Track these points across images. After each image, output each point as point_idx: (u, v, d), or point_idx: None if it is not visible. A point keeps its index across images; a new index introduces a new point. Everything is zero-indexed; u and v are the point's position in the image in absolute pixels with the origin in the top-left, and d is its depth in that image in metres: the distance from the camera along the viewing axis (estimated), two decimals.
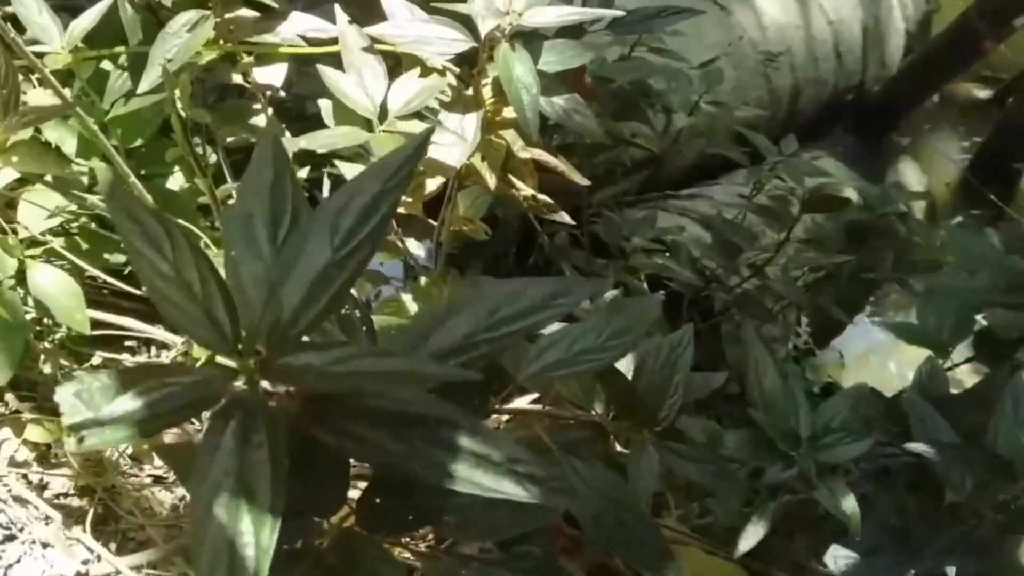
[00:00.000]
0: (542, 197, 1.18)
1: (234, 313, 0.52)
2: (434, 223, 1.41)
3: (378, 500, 0.59)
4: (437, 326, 0.65)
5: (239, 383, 0.50)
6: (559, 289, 0.66)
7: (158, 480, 1.32)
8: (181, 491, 1.32)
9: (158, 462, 1.34)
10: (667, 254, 1.78)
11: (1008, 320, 1.59)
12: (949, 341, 1.61)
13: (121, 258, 1.47)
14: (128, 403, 0.46)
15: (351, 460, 0.58)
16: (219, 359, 0.51)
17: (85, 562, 1.14)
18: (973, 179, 3.40)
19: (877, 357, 2.92)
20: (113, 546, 1.19)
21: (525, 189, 1.18)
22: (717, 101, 2.07)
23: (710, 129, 2.12)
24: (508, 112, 1.16)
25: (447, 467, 0.50)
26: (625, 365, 1.10)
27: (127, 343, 1.49)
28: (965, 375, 1.80)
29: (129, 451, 1.33)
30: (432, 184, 1.24)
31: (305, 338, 0.52)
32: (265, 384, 0.52)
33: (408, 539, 0.67)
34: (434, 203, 1.38)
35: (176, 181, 1.52)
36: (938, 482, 1.23)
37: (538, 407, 1.12)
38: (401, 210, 1.45)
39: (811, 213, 1.72)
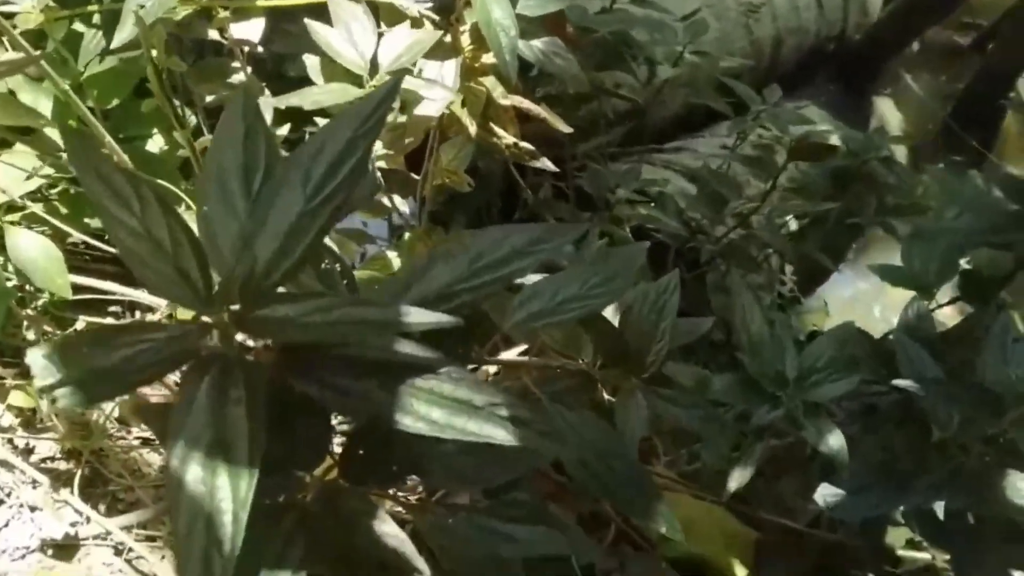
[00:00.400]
0: (524, 145, 1.17)
1: (206, 268, 0.51)
2: (417, 177, 1.39)
3: (361, 452, 0.58)
4: (418, 277, 0.64)
5: (214, 338, 0.49)
6: (541, 235, 0.65)
7: (146, 442, 1.32)
8: None
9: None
10: (652, 205, 1.77)
11: (992, 260, 1.59)
12: (934, 282, 1.62)
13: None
14: (99, 362, 0.46)
15: (332, 413, 0.58)
16: (194, 315, 0.50)
17: (74, 524, 1.14)
18: (954, 125, 3.40)
19: (861, 304, 2.94)
20: (102, 508, 1.19)
21: (507, 137, 1.17)
22: (701, 51, 2.05)
23: (694, 79, 2.10)
24: (487, 58, 1.14)
25: (430, 414, 0.49)
26: (611, 313, 1.09)
27: (111, 308, 1.48)
28: (948, 319, 1.80)
29: (116, 414, 1.33)
30: (414, 137, 1.23)
31: (281, 290, 0.51)
32: (242, 338, 0.51)
33: (398, 492, 0.66)
34: (416, 157, 1.37)
35: (156, 143, 1.50)
36: (925, 420, 1.24)
37: (525, 358, 1.11)
38: (383, 164, 1.44)
39: (797, 161, 1.72)
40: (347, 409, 0.50)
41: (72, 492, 1.19)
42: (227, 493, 0.45)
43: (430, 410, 0.49)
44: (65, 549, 1.15)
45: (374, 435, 0.58)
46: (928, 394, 1.11)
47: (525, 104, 1.19)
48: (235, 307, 0.49)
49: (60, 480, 1.22)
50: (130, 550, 1.14)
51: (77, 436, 1.29)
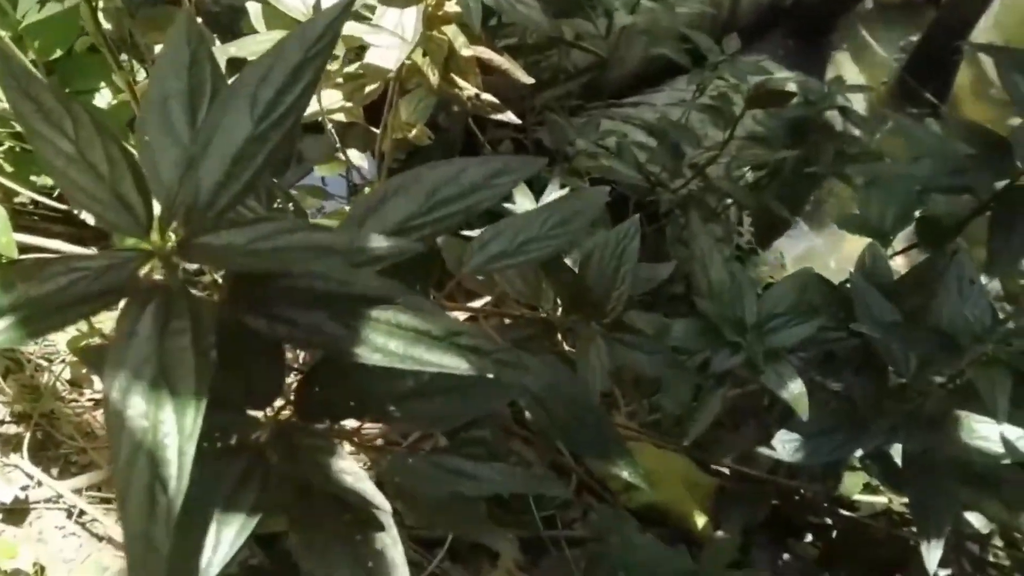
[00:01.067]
0: (486, 96, 1.15)
1: (146, 192, 0.48)
2: (376, 131, 1.36)
3: (316, 389, 0.56)
4: (373, 211, 0.62)
5: (157, 269, 0.46)
6: (499, 168, 0.63)
7: (99, 404, 1.28)
8: None
9: (99, 385, 1.31)
10: (612, 156, 1.75)
11: (949, 205, 1.60)
12: (891, 229, 1.62)
13: (50, 180, 1.41)
14: (32, 292, 0.43)
15: (286, 349, 0.55)
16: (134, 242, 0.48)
17: (24, 488, 1.11)
18: (909, 78, 3.42)
19: (818, 257, 2.96)
20: (54, 471, 1.16)
21: (468, 88, 1.14)
22: None
23: (653, 27, 2.08)
24: (450, 6, 1.11)
25: (386, 345, 0.47)
26: (572, 262, 1.08)
27: None
28: (901, 268, 1.82)
29: (67, 376, 1.29)
30: (372, 86, 1.19)
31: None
32: (186, 268, 0.49)
33: (356, 435, 0.64)
34: (376, 111, 1.34)
35: (104, 98, 1.46)
36: (882, 364, 1.25)
37: (484, 306, 1.10)
38: (341, 117, 1.40)
39: (755, 109, 1.71)
40: (298, 341, 0.48)
41: (22, 456, 1.16)
42: (172, 427, 0.42)
43: (387, 341, 0.47)
44: (15, 513, 1.12)
45: (329, 371, 0.56)
46: (886, 337, 1.12)
47: (488, 54, 1.16)
48: (178, 234, 0.47)
49: (9, 444, 1.19)
50: (83, 513, 1.11)
51: (27, 399, 1.26)
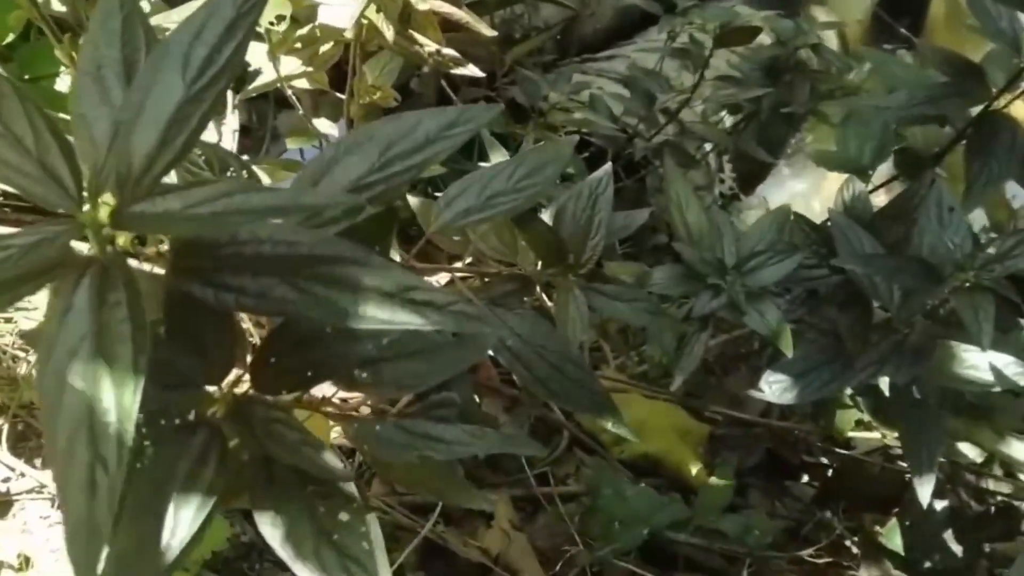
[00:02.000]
0: (448, 51, 1.12)
1: (74, 162, 0.46)
2: (343, 97, 1.34)
3: (272, 360, 0.54)
4: (325, 171, 0.60)
5: (89, 241, 0.44)
6: (453, 118, 0.61)
7: None
8: None
9: None
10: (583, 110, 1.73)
11: (927, 135, 1.58)
12: (870, 164, 1.61)
13: None
14: None
15: (237, 319, 0.54)
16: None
17: (6, 480, 1.09)
18: (884, 14, 3.38)
19: (801, 199, 2.94)
20: (38, 462, 1.15)
21: (429, 44, 1.12)
22: None
23: None
24: None
25: (337, 305, 0.45)
26: (547, 217, 1.06)
27: None
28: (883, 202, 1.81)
29: None
30: (327, 46, 1.16)
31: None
32: (130, 240, 0.47)
33: (326, 403, 0.63)
34: (343, 77, 1.31)
35: (65, 83, 1.43)
36: (867, 299, 1.24)
37: (458, 265, 1.08)
38: (306, 85, 1.38)
39: (723, 47, 1.68)
40: (247, 309, 0.46)
41: (1, 447, 1.14)
42: (111, 403, 0.40)
43: (338, 300, 0.45)
44: None
45: (284, 341, 0.54)
46: (868, 270, 1.10)
47: (446, 8, 1.13)
48: (110, 204, 0.45)
49: None
50: None
51: (4, 391, 1.24)
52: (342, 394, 0.67)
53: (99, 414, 0.40)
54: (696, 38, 1.90)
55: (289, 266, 0.47)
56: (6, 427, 1.15)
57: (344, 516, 0.50)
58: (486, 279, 1.06)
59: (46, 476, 1.10)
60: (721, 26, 1.62)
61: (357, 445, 0.58)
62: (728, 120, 2.10)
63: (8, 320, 1.36)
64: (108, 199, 0.44)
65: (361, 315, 0.45)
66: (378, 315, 0.45)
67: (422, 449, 0.57)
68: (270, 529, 0.49)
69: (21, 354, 1.30)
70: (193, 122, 0.47)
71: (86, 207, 0.45)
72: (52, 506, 1.08)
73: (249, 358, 0.55)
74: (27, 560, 1.01)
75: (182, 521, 0.47)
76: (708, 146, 2.07)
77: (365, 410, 0.75)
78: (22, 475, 1.12)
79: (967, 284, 1.06)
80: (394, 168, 0.60)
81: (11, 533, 1.05)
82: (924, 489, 1.14)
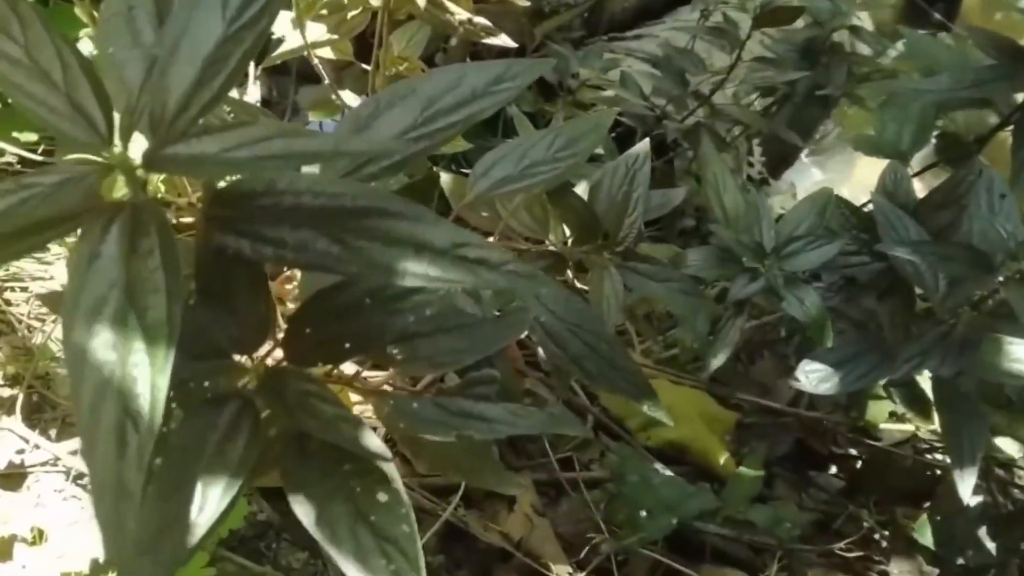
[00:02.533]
0: (479, 20, 1.08)
1: (105, 99, 0.42)
2: (367, 69, 1.30)
3: (307, 330, 0.51)
4: (364, 126, 0.56)
5: (120, 183, 0.41)
6: (500, 73, 0.57)
7: None
8: None
9: None
10: (614, 87, 1.69)
11: (968, 120, 1.54)
12: (909, 149, 1.56)
13: (32, 136, 1.36)
14: None
15: (271, 284, 0.50)
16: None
17: (20, 452, 1.06)
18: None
19: (829, 186, 2.89)
20: (52, 432, 1.12)
21: (460, 12, 1.08)
22: None
23: None
24: None
25: (383, 260, 0.42)
26: (581, 191, 1.02)
27: None
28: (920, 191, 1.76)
29: (60, 336, 1.24)
30: (355, 12, 1.13)
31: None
32: (152, 191, 0.43)
33: (357, 379, 0.59)
34: (367, 48, 1.27)
35: (86, 47, 1.39)
36: (908, 289, 1.19)
37: (491, 239, 1.04)
38: (330, 55, 1.34)
39: (763, 27, 1.63)
40: (285, 262, 0.43)
41: (16, 419, 1.11)
42: (142, 357, 0.37)
43: (383, 255, 0.42)
44: (11, 478, 1.07)
45: (321, 310, 0.51)
46: (917, 256, 1.06)
47: None
48: (142, 145, 0.41)
49: (3, 408, 1.14)
50: (82, 475, 1.07)
51: (19, 361, 1.21)
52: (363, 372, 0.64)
53: (129, 368, 0.36)
54: (730, 18, 1.85)
55: (331, 219, 0.43)
56: (21, 398, 1.12)
57: (382, 496, 0.46)
58: (515, 255, 1.02)
59: (61, 449, 1.07)
60: (762, 5, 1.58)
61: (390, 423, 0.54)
62: (758, 103, 2.06)
63: (24, 289, 1.34)
64: (140, 140, 0.41)
65: (409, 272, 0.42)
66: (428, 272, 0.42)
67: (461, 428, 0.54)
68: (303, 508, 0.46)
69: (36, 324, 1.28)
70: (232, 62, 0.44)
71: (116, 148, 0.41)
72: (67, 479, 1.05)
73: (281, 331, 0.51)
74: (41, 533, 0.97)
75: (210, 498, 0.44)
76: (737, 130, 2.03)
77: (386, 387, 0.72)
78: (36, 447, 1.09)
79: (1019, 275, 1.02)
80: (437, 124, 0.56)
81: (25, 506, 1.02)
82: (966, 483, 1.10)
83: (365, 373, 0.64)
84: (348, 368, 0.64)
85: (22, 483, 1.07)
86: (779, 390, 1.58)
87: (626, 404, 1.46)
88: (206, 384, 0.47)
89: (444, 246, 0.42)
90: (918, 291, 1.19)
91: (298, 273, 0.69)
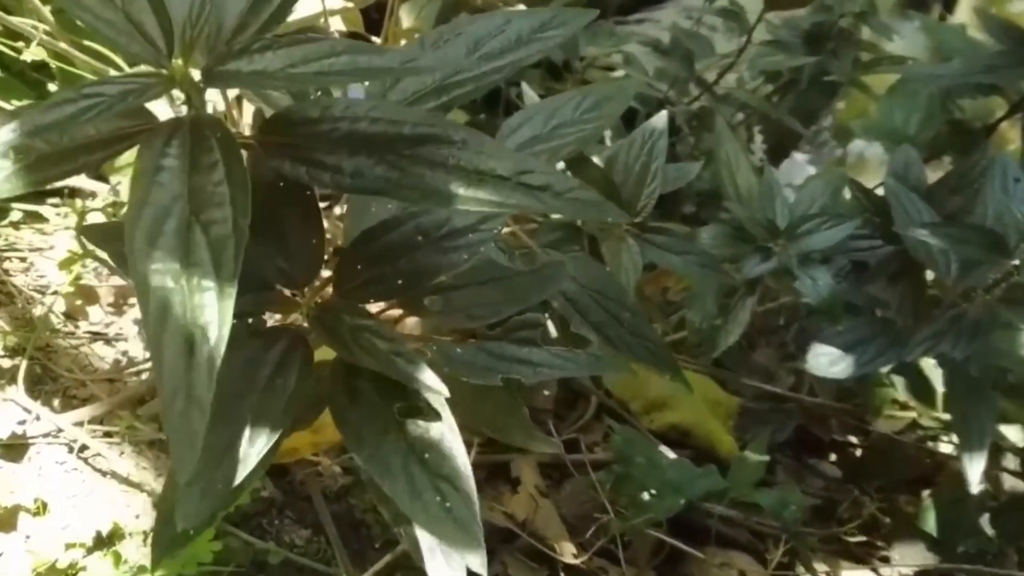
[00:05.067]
0: None
1: (164, 16, 0.41)
2: (377, 40, 1.29)
3: (359, 267, 0.49)
4: (408, 70, 0.55)
5: (178, 97, 0.39)
6: (549, 19, 0.56)
7: (96, 336, 1.22)
8: (123, 345, 1.22)
9: (95, 317, 1.24)
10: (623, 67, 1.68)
11: (975, 108, 1.54)
12: (916, 135, 1.57)
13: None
14: (35, 122, 0.35)
15: (322, 216, 0.49)
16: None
17: (21, 422, 1.04)
18: None
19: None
20: (55, 403, 1.10)
21: None
22: None
23: None
24: None
25: (445, 187, 0.41)
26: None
27: (49, 199, 1.36)
28: None
29: (62, 308, 1.22)
30: None
31: None
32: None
33: (399, 322, 0.58)
34: (378, 23, 1.26)
35: None
36: (919, 273, 1.19)
37: None
38: (341, 27, 1.33)
39: (774, 9, 1.63)
40: (343, 188, 0.41)
41: (17, 389, 1.09)
42: (209, 269, 0.36)
43: (445, 182, 0.41)
44: (13, 448, 1.05)
45: (374, 246, 0.49)
46: (933, 237, 1.05)
47: None
48: (201, 64, 0.40)
49: (4, 378, 1.12)
50: (84, 448, 1.05)
51: (20, 331, 1.19)
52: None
53: (197, 278, 0.35)
54: (736, 2, 1.84)
55: (390, 145, 0.42)
56: (23, 368, 1.10)
57: (435, 434, 0.45)
58: (532, 226, 1.01)
59: (63, 420, 1.04)
60: None
61: (435, 367, 0.53)
62: (762, 89, 2.05)
63: (22, 260, 1.31)
64: (199, 56, 0.39)
65: (470, 197, 0.41)
66: (491, 197, 0.41)
67: (507, 372, 0.52)
68: (355, 444, 0.45)
69: (36, 295, 1.25)
70: None
71: (176, 61, 0.40)
72: (69, 452, 1.04)
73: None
74: (44, 505, 0.96)
75: (261, 432, 0.42)
76: (740, 116, 2.02)
77: None
78: (38, 418, 1.07)
79: None
80: (484, 67, 0.55)
81: (27, 476, 1.00)
82: (975, 468, 1.10)
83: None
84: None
85: (24, 454, 1.05)
86: (780, 375, 1.58)
87: (630, 386, 1.46)
88: (256, 316, 0.46)
89: (507, 173, 0.41)
90: (928, 276, 1.19)
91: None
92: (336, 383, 0.48)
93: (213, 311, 0.35)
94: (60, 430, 1.06)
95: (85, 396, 1.14)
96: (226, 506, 0.42)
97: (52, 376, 1.15)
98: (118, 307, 1.24)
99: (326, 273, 0.51)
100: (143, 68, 0.39)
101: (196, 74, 0.39)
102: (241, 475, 0.41)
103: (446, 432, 0.46)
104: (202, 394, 0.34)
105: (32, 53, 0.89)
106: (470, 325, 0.62)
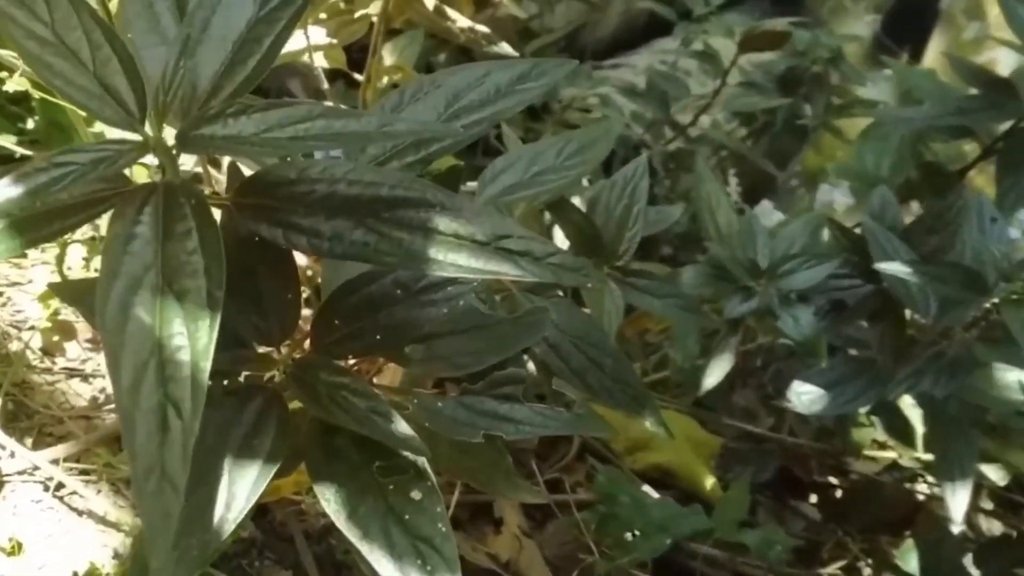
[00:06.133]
0: (480, 28, 1.07)
1: (136, 79, 0.41)
2: (360, 78, 1.29)
3: (336, 321, 0.49)
4: (387, 122, 0.55)
5: (142, 170, 0.39)
6: (527, 70, 0.56)
7: (72, 373, 1.20)
8: (100, 383, 1.21)
9: (72, 354, 1.22)
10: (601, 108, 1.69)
11: (947, 152, 1.56)
12: (888, 178, 1.58)
13: (11, 139, 1.33)
14: (8, 193, 0.35)
15: (297, 277, 0.48)
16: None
17: None
18: (885, 38, 3.38)
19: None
20: (29, 441, 1.08)
21: (461, 20, 1.07)
22: None
23: None
24: None
25: (423, 251, 0.40)
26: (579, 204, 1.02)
27: None
28: None
29: (38, 344, 1.21)
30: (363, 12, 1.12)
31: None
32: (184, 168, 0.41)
33: (379, 376, 0.58)
34: (355, 62, 1.26)
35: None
36: (899, 310, 1.20)
37: None
38: (325, 64, 1.33)
39: (750, 52, 1.65)
40: (320, 252, 0.41)
41: None
42: (183, 341, 0.35)
43: (424, 247, 0.40)
44: None
45: (351, 301, 0.49)
46: (913, 275, 1.06)
47: None
48: (174, 127, 0.40)
49: None
50: (61, 486, 1.03)
51: None
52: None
53: (170, 351, 0.35)
54: (710, 46, 1.87)
55: (368, 208, 0.42)
56: None
57: (416, 494, 0.44)
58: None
59: (39, 457, 1.03)
60: (748, 30, 1.59)
61: (413, 423, 0.53)
62: (737, 132, 2.07)
63: None
64: (172, 122, 0.39)
65: (451, 263, 0.40)
66: (470, 264, 0.40)
67: (488, 428, 0.52)
68: (333, 506, 0.44)
69: (12, 331, 1.24)
70: (265, 43, 0.42)
71: (148, 126, 0.40)
72: (44, 490, 1.02)
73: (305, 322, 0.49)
74: (19, 545, 0.94)
75: (238, 494, 0.42)
76: (714, 160, 2.04)
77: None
78: (12, 455, 1.06)
79: (1014, 296, 1.02)
80: (462, 120, 0.55)
81: (1, 515, 0.98)
82: (958, 506, 1.10)
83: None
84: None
85: None
86: (760, 417, 1.58)
87: (613, 427, 1.46)
88: (231, 375, 0.45)
89: (486, 238, 0.41)
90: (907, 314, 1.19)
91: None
92: (313, 440, 0.47)
93: (187, 386, 0.35)
94: (36, 467, 1.04)
95: (61, 433, 1.13)
96: (203, 566, 0.41)
97: (27, 413, 1.14)
98: (95, 343, 1.23)
99: (304, 327, 0.50)
100: (116, 134, 0.39)
101: (170, 138, 0.39)
102: (218, 539, 0.41)
103: (426, 492, 0.46)
104: (176, 472, 0.34)
105: (16, 83, 0.89)
106: (452, 374, 0.61)
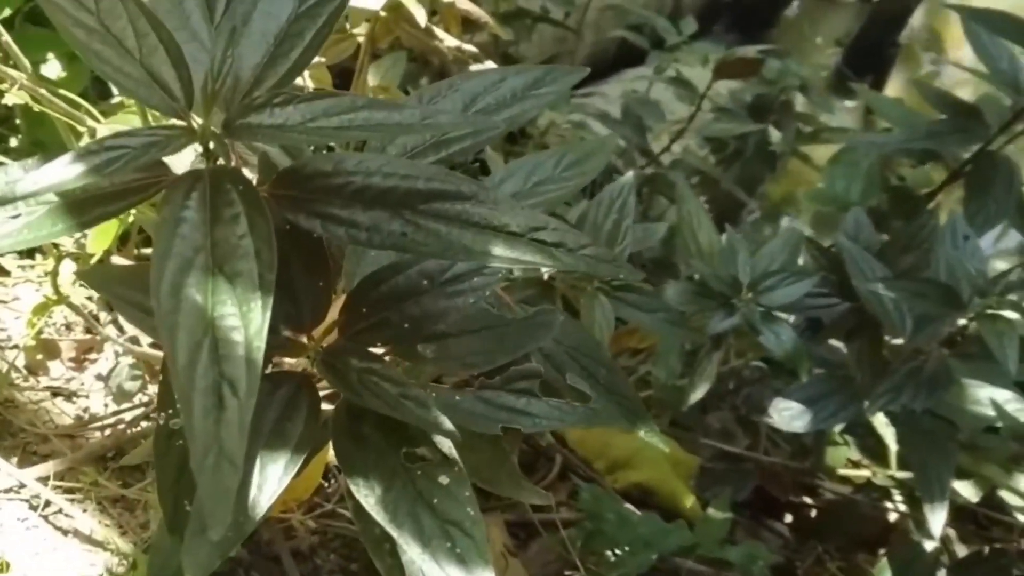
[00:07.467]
0: (468, 47, 1.09)
1: (183, 68, 0.41)
2: None
3: (364, 309, 0.50)
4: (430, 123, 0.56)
5: (198, 149, 0.40)
6: (542, 76, 0.58)
7: (57, 392, 1.19)
8: (84, 402, 1.20)
9: (56, 373, 1.21)
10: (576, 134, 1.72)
11: (916, 176, 1.61)
12: (858, 202, 1.62)
13: None
14: (54, 174, 0.36)
15: (331, 263, 0.49)
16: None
17: None
18: (846, 70, 3.46)
19: None
20: (14, 459, 1.07)
21: (449, 39, 1.09)
22: None
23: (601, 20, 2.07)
24: None
25: (460, 241, 0.41)
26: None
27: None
28: None
29: (22, 362, 1.20)
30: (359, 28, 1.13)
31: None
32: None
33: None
34: (341, 82, 1.28)
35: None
36: (876, 327, 1.23)
37: None
38: (310, 85, 1.34)
39: (724, 78, 1.69)
40: (358, 242, 0.42)
41: None
42: (236, 321, 0.36)
43: (460, 237, 0.42)
44: None
45: (380, 291, 0.50)
46: (890, 291, 1.09)
47: (466, 6, 1.11)
48: (220, 116, 0.40)
49: None
50: (47, 504, 1.02)
51: None
52: None
53: (223, 331, 0.35)
54: (683, 74, 1.91)
55: (404, 200, 0.43)
56: None
57: (444, 479, 0.45)
58: (506, 283, 1.02)
59: (25, 475, 1.02)
60: (722, 58, 1.63)
61: None
62: (708, 159, 2.11)
63: None
64: (217, 109, 0.40)
65: (485, 253, 0.42)
66: (505, 254, 0.42)
67: (506, 421, 0.53)
68: (362, 490, 0.45)
69: None
70: (307, 37, 0.43)
71: (196, 113, 0.40)
72: (30, 508, 1.01)
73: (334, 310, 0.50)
74: (7, 564, 0.93)
75: (270, 477, 0.42)
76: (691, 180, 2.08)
77: None
78: None
79: (988, 310, 1.06)
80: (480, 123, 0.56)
81: None
82: (936, 520, 1.13)
83: None
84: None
85: None
86: (736, 436, 1.60)
87: (594, 446, 1.47)
88: (264, 361, 0.45)
89: (520, 229, 0.42)
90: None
91: None
92: (340, 427, 0.48)
93: (242, 365, 0.35)
94: (22, 485, 1.03)
95: (46, 452, 1.12)
96: (235, 548, 0.41)
97: (11, 431, 1.13)
98: (79, 362, 1.22)
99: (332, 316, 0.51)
100: (165, 120, 0.40)
101: (218, 121, 0.40)
102: (252, 521, 0.41)
103: (455, 478, 0.46)
104: (234, 449, 0.34)
105: (16, 96, 0.89)
106: (464, 373, 0.62)
